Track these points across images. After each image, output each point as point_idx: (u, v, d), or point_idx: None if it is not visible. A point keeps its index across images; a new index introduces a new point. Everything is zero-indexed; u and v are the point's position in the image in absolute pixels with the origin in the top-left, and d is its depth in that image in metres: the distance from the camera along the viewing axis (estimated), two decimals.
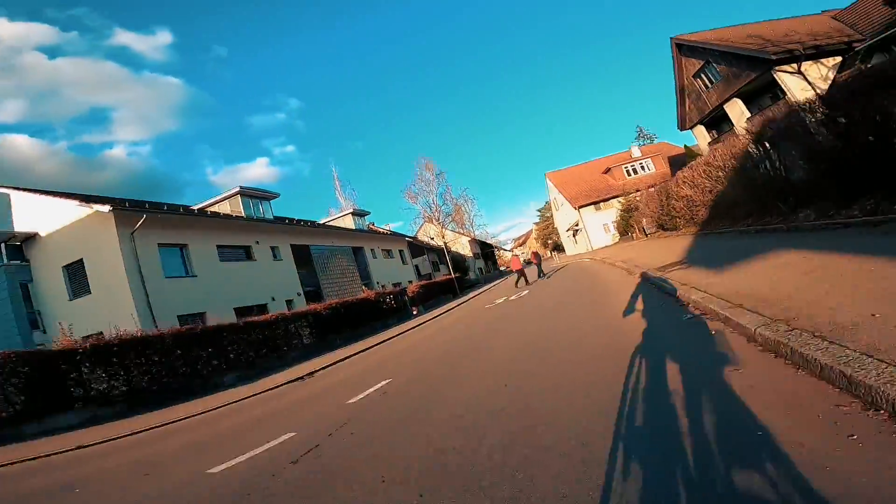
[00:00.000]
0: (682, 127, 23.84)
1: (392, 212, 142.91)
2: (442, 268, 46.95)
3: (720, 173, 10.84)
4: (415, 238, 45.55)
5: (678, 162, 33.44)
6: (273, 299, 19.57)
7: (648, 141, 49.07)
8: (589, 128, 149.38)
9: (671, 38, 21.12)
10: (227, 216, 20.54)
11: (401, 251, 35.20)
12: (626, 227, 27.48)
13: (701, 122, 22.60)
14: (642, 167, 35.12)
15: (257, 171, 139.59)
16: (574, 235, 40.66)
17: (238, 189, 21.80)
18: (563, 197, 38.33)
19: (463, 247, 54.89)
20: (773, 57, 15.25)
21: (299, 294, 21.29)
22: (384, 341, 13.71)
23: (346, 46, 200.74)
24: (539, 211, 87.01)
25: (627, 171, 35.23)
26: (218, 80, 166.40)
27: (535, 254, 20.48)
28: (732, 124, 19.94)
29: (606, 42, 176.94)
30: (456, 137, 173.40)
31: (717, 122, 22.49)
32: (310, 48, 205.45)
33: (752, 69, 17.09)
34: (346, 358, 11.75)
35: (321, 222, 29.51)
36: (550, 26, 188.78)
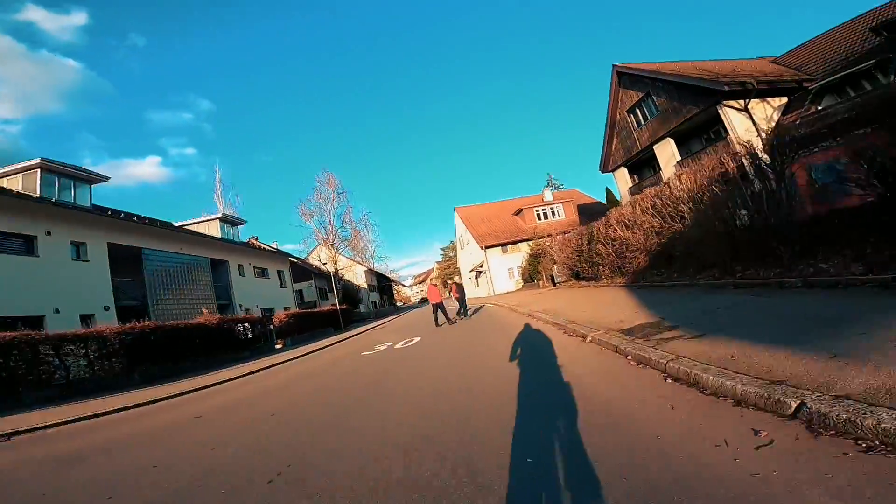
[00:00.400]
0: (604, 168, 23.33)
1: (288, 234, 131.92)
2: (330, 296, 41.79)
3: (683, 207, 8.78)
4: (302, 260, 40.04)
5: (588, 210, 33.85)
6: (57, 311, 13.48)
7: (556, 188, 50.47)
8: (500, 169, 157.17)
9: (613, 66, 20.56)
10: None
11: (280, 272, 29.76)
12: (532, 273, 25.99)
13: (625, 164, 21.99)
14: (553, 212, 34.99)
15: (145, 170, 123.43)
16: (477, 277, 38.86)
17: (39, 161, 15.49)
18: (470, 235, 36.60)
19: (357, 276, 50.24)
20: (726, 88, 14.45)
21: (107, 308, 15.23)
22: (211, 386, 9.29)
23: (275, 54, 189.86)
24: (443, 249, 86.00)
25: (538, 215, 34.82)
26: (125, 70, 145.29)
27: (458, 286, 16.74)
28: (658, 169, 19.48)
29: (524, 86, 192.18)
30: (366, 166, 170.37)
31: (641, 167, 22.23)
32: (236, 49, 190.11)
33: (696, 103, 16.37)
34: (105, 414, 7.03)
35: (176, 224, 23.30)
36: (474, 61, 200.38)
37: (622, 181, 22.49)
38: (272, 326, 19.97)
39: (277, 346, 19.72)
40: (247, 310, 23.61)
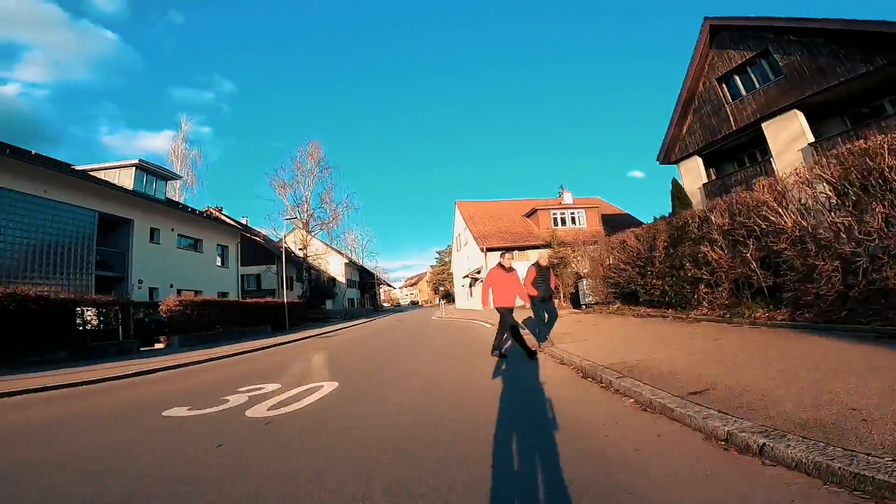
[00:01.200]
0: (666, 156, 16.99)
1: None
2: (299, 286, 35.39)
3: None
4: (265, 239, 33.75)
5: (614, 222, 27.63)
6: None
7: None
8: (509, 169, 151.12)
9: (705, 19, 14.38)
10: None
11: (223, 248, 23.40)
12: None
13: (703, 151, 15.84)
14: (574, 218, 28.70)
15: (158, 143, 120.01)
16: (471, 286, 32.39)
17: None
18: (469, 233, 30.22)
19: (336, 267, 43.81)
20: None
21: None
22: None
23: (301, 43, 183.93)
24: (439, 253, 79.59)
25: (556, 220, 28.52)
26: (159, 45, 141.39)
27: (543, 271, 7.11)
28: (765, 157, 13.28)
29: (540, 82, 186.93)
30: (375, 162, 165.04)
31: (726, 157, 15.89)
32: (265, 35, 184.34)
33: (866, 60, 10.41)
34: None
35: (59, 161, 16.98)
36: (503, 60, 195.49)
37: (691, 176, 16.06)
38: (163, 316, 13.58)
39: (161, 345, 13.31)
40: (150, 289, 17.22)
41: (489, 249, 26.99)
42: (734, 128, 14.15)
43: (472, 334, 11.54)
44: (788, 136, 12.31)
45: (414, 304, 55.57)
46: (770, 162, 12.85)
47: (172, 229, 19.36)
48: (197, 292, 20.22)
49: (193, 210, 22.80)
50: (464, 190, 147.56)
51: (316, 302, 33.11)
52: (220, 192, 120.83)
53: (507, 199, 34.97)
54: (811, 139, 11.83)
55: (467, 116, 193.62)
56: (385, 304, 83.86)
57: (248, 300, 20.11)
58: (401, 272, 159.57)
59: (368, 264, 57.86)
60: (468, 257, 32.48)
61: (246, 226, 34.88)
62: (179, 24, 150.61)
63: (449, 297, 57.27)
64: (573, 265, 17.73)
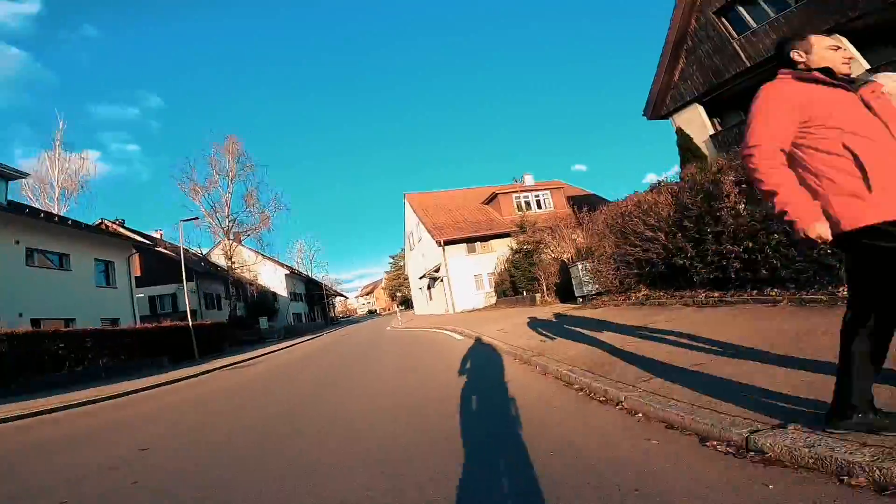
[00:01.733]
0: (654, 111, 13.94)
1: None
2: (227, 305, 30.03)
3: None
4: (173, 249, 28.36)
5: (582, 202, 24.67)
6: None
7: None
8: (458, 161, 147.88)
9: None
10: None
11: (106, 263, 18.09)
12: (518, 281, 16.11)
13: (702, 99, 12.80)
14: (539, 202, 25.66)
15: (81, 164, 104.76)
16: (430, 287, 28.58)
17: None
18: (423, 228, 26.42)
19: (273, 280, 38.48)
20: None
21: None
22: None
23: (231, 51, 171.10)
24: (392, 258, 75.10)
25: (519, 205, 25.29)
26: (73, 62, 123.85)
27: None
28: None
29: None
30: (318, 171, 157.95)
31: (734, 104, 12.89)
32: (192, 45, 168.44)
33: None
34: None
35: None
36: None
37: (693, 127, 13.04)
38: None
39: None
40: None
41: (447, 242, 23.36)
42: (749, 64, 11.31)
43: (440, 352, 7.82)
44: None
45: (371, 312, 50.77)
46: None
47: (17, 241, 14.09)
48: (68, 321, 15.09)
49: (56, 218, 17.40)
50: (413, 182, 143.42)
51: (250, 321, 28.00)
52: (152, 213, 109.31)
53: (460, 189, 31.54)
54: (865, 67, 9.04)
55: (410, 100, 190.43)
56: (341, 316, 78.31)
57: (137, 326, 15.21)
58: (357, 282, 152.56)
59: (319, 276, 52.55)
60: (423, 255, 28.69)
61: (152, 238, 28.86)
62: (94, 37, 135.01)
63: (407, 303, 53.08)
64: (550, 251, 14.46)
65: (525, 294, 15.55)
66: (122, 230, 26.76)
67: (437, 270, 25.34)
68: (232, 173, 28.33)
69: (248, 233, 28.89)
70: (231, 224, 27.87)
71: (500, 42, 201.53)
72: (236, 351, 19.27)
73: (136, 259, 20.51)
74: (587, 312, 8.37)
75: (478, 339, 8.00)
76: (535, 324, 7.79)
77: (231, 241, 27.57)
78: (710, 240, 5.94)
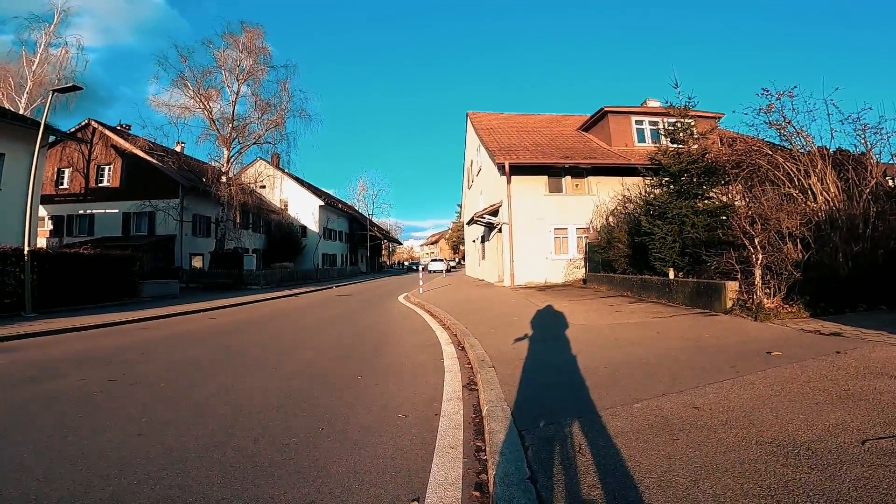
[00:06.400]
0: None
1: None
2: (247, 236, 23.76)
3: None
4: (175, 158, 22.11)
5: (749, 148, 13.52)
6: None
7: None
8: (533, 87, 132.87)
9: None
10: None
11: None
12: (661, 249, 6.66)
13: None
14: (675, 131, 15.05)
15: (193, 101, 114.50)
16: (484, 239, 19.64)
17: None
18: (484, 152, 17.19)
19: (301, 208, 31.86)
20: None
21: None
22: None
23: None
24: (459, 206, 66.36)
25: (640, 133, 15.15)
26: (202, 9, 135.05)
27: None
28: None
29: None
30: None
31: None
32: None
33: None
34: None
35: None
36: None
37: None
38: None
39: None
40: None
41: (515, 169, 14.05)
42: None
43: None
44: None
45: (413, 267, 41.26)
46: None
47: None
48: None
49: None
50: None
51: (240, 258, 21.31)
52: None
53: (547, 114, 21.42)
54: None
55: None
56: (403, 263, 72.78)
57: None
58: (432, 231, 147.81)
59: (384, 222, 45.90)
60: (482, 192, 19.62)
61: (166, 149, 22.19)
62: None
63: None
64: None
65: (673, 277, 6.20)
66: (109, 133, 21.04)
67: (494, 214, 16.28)
68: (247, 73, 20.76)
69: (256, 142, 21.61)
70: (235, 130, 20.73)
71: None
72: (157, 303, 12.28)
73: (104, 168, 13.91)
74: None
75: None
76: None
77: (228, 150, 20.55)
78: None
